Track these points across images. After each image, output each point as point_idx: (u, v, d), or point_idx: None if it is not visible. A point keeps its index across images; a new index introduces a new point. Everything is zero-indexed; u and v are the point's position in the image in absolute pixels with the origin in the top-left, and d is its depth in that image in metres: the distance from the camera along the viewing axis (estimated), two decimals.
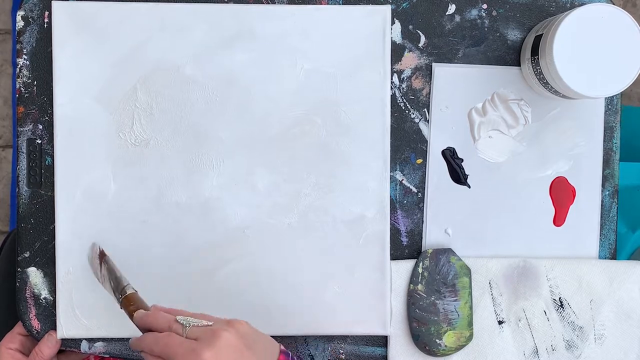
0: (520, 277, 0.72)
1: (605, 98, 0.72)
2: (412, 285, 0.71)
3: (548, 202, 0.73)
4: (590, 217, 0.73)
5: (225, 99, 0.70)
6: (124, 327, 0.70)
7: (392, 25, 0.71)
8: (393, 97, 0.71)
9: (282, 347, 0.58)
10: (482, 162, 0.72)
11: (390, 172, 0.71)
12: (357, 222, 0.71)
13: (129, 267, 0.69)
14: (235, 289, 0.71)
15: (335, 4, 0.70)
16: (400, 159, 0.72)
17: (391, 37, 0.71)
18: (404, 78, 0.71)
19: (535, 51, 0.67)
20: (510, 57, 0.72)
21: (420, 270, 0.71)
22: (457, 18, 0.71)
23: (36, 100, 0.70)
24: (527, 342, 0.72)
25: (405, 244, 0.72)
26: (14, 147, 1.35)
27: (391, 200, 0.72)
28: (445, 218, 0.72)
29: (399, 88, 0.71)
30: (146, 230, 0.70)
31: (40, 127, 0.70)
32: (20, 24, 0.69)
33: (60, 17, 0.69)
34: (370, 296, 0.71)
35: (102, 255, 0.67)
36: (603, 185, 0.73)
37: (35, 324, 0.71)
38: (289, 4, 0.70)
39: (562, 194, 0.73)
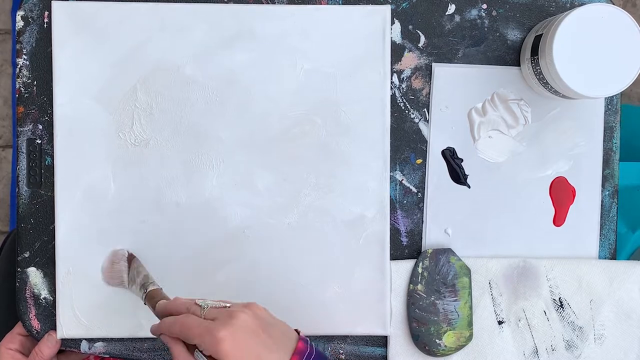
0: (520, 277, 0.72)
1: (605, 98, 0.72)
2: (412, 285, 0.71)
3: (548, 202, 0.73)
4: (590, 217, 0.73)
5: (225, 99, 0.70)
6: (124, 327, 0.70)
7: (392, 25, 0.71)
8: (393, 97, 0.71)
9: (302, 334, 0.58)
10: (482, 162, 0.72)
11: (390, 172, 0.71)
12: (357, 222, 0.71)
13: None
14: (235, 289, 0.71)
15: (335, 4, 0.70)
16: (400, 159, 0.72)
17: (391, 37, 0.71)
18: (403, 78, 0.71)
19: (535, 51, 0.67)
20: (510, 57, 0.72)
21: (420, 270, 0.71)
22: (457, 18, 0.71)
23: (36, 100, 0.70)
24: (527, 342, 0.72)
25: (405, 244, 0.72)
26: (14, 147, 1.35)
27: (391, 200, 0.72)
28: (445, 218, 0.72)
29: (398, 88, 0.71)
30: (146, 230, 0.70)
31: (40, 127, 0.70)
32: (20, 24, 0.69)
33: (60, 17, 0.69)
34: (370, 296, 0.71)
35: (132, 257, 0.69)
36: (603, 185, 0.73)
37: (35, 324, 0.71)
38: (289, 4, 0.70)
39: (562, 194, 0.73)
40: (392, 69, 0.71)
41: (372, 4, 0.70)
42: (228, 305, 0.57)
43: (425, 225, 0.72)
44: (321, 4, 0.70)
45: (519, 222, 0.72)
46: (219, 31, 0.70)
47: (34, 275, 0.71)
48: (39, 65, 0.70)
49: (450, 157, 0.72)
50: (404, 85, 0.71)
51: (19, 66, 0.70)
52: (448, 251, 0.71)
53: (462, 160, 0.72)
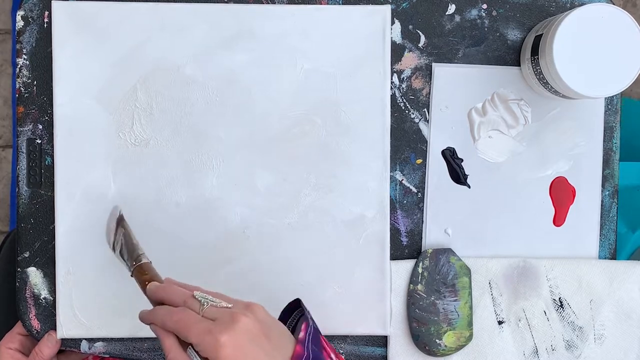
0: (520, 277, 0.72)
1: (605, 98, 0.72)
2: (412, 285, 0.71)
3: (548, 202, 0.73)
4: (590, 217, 0.73)
5: (225, 99, 0.70)
6: (124, 327, 0.70)
7: (392, 25, 0.71)
8: (393, 97, 0.71)
9: (301, 336, 0.55)
10: (482, 162, 0.72)
11: (390, 172, 0.71)
12: (357, 222, 0.71)
13: None
14: (235, 289, 0.70)
15: (335, 4, 0.70)
16: (400, 159, 0.72)
17: (391, 37, 0.71)
18: (404, 78, 0.71)
19: (535, 51, 0.67)
20: (510, 57, 0.72)
21: (420, 270, 0.71)
22: (457, 18, 0.71)
23: (36, 100, 0.70)
24: (527, 342, 0.72)
25: (405, 244, 0.72)
26: (14, 147, 1.35)
27: (391, 200, 0.72)
28: (445, 218, 0.72)
29: (398, 88, 0.71)
30: (146, 230, 0.70)
31: (40, 127, 0.70)
32: (20, 24, 0.69)
33: (60, 17, 0.69)
34: (370, 296, 0.71)
35: (121, 220, 0.65)
36: (603, 185, 0.73)
37: (35, 324, 0.71)
38: (289, 4, 0.70)
39: (562, 194, 0.73)
40: (392, 69, 0.71)
41: (372, 4, 0.70)
42: (229, 305, 0.54)
43: (425, 225, 0.72)
44: (321, 4, 0.70)
45: (519, 222, 0.72)
46: (219, 31, 0.70)
47: (34, 275, 0.71)
48: (39, 65, 0.70)
49: (450, 157, 0.72)
50: (404, 85, 0.71)
51: (19, 66, 0.70)
52: (448, 251, 0.71)
53: (462, 160, 0.72)
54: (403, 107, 0.72)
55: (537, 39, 0.67)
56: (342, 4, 0.70)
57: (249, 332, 0.52)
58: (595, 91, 0.64)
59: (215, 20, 0.69)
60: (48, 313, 0.71)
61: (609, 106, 0.72)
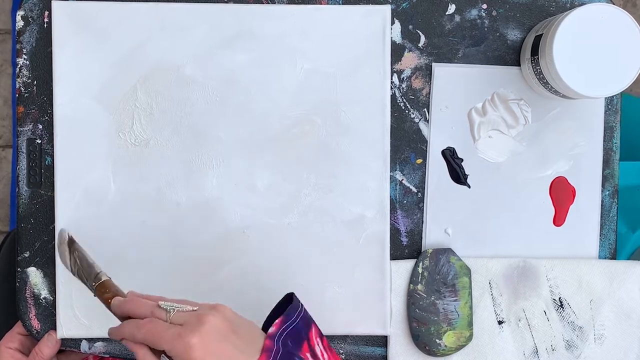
0: (520, 277, 0.72)
1: (605, 98, 0.72)
2: (412, 285, 0.71)
3: (548, 202, 0.73)
4: (590, 217, 0.73)
5: (225, 99, 0.70)
6: None
7: (392, 25, 0.71)
8: (393, 97, 0.71)
9: (271, 331, 0.56)
10: (482, 162, 0.72)
11: (390, 172, 0.71)
12: (357, 222, 0.71)
13: (128, 266, 0.70)
14: (235, 289, 0.71)
15: (335, 4, 0.70)
16: (400, 159, 0.72)
17: (391, 37, 0.71)
18: (403, 78, 0.71)
19: (535, 51, 0.67)
20: (510, 57, 0.72)
21: (420, 270, 0.71)
22: (457, 18, 0.71)
23: (36, 100, 0.70)
24: (527, 342, 0.72)
25: (405, 244, 0.72)
26: (14, 147, 1.35)
27: (391, 200, 0.72)
28: (445, 218, 0.72)
29: (398, 88, 0.71)
30: (146, 230, 0.70)
31: (40, 127, 0.70)
32: (20, 23, 0.69)
33: (60, 17, 0.69)
34: (370, 296, 0.71)
35: (71, 242, 0.66)
36: (603, 185, 0.73)
37: (35, 323, 0.71)
38: (289, 4, 0.70)
39: (562, 194, 0.73)
40: (392, 68, 0.71)
41: (372, 4, 0.70)
42: (195, 308, 0.55)
43: (425, 225, 0.72)
44: (321, 4, 0.70)
45: (519, 222, 0.72)
46: (219, 31, 0.70)
47: (34, 275, 0.71)
48: (39, 65, 0.70)
49: (450, 157, 0.72)
50: (404, 85, 0.71)
51: (19, 66, 0.70)
52: (448, 251, 0.71)
53: (462, 160, 0.72)
54: (403, 107, 0.72)
55: (537, 39, 0.67)
56: (342, 4, 0.70)
57: (217, 330, 0.53)
58: (595, 91, 0.64)
59: (215, 20, 0.69)
60: (48, 313, 0.71)
61: (609, 106, 0.72)
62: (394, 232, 0.72)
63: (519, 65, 0.72)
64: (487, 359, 0.72)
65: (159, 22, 0.69)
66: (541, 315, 0.72)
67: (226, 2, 0.70)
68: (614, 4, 0.66)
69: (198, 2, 0.70)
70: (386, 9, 0.70)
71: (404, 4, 0.71)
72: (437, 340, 0.70)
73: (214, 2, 0.70)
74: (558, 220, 0.73)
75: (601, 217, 0.73)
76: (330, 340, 0.72)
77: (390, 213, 0.72)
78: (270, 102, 0.70)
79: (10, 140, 1.40)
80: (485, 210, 0.72)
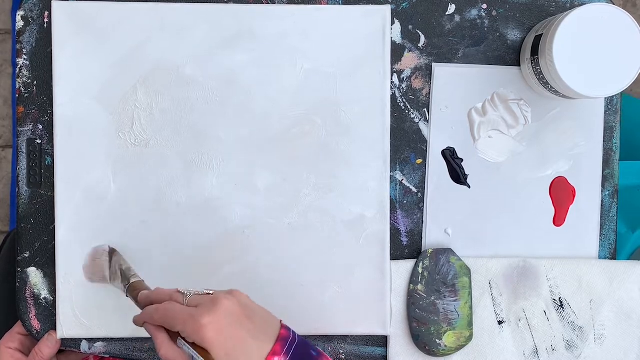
0: (520, 277, 0.72)
1: (605, 98, 0.72)
2: (412, 285, 0.71)
3: (548, 202, 0.73)
4: (590, 217, 0.73)
5: (225, 99, 0.70)
6: (124, 327, 0.70)
7: (392, 25, 0.71)
8: (393, 97, 0.71)
9: (283, 323, 0.57)
10: (482, 162, 0.72)
11: (390, 172, 0.71)
12: (357, 222, 0.71)
13: None
14: (235, 289, 0.71)
15: (335, 4, 0.70)
16: (400, 159, 0.72)
17: (391, 37, 0.71)
18: (403, 78, 0.71)
19: (535, 51, 0.67)
20: (510, 57, 0.72)
21: (420, 270, 0.71)
22: (457, 18, 0.71)
23: (36, 100, 0.70)
24: (527, 342, 0.72)
25: (405, 244, 0.72)
26: (14, 147, 1.35)
27: (391, 200, 0.72)
28: (445, 218, 0.72)
29: (398, 88, 0.71)
30: (146, 230, 0.70)
31: (40, 127, 0.70)
32: (20, 24, 0.69)
33: (60, 17, 0.69)
34: (370, 296, 0.71)
35: (113, 252, 0.68)
36: (603, 185, 0.73)
37: (35, 324, 0.71)
38: (289, 4, 0.70)
39: (562, 194, 0.73)
40: (392, 69, 0.71)
41: (372, 4, 0.70)
42: (211, 292, 0.56)
43: (425, 225, 0.72)
44: (321, 4, 0.70)
45: (519, 222, 0.72)
46: (219, 31, 0.70)
47: (34, 275, 0.71)
48: (39, 65, 0.70)
49: (450, 157, 0.72)
50: (404, 85, 0.71)
51: (19, 66, 0.70)
52: (448, 251, 0.71)
53: (462, 160, 0.72)
54: (403, 107, 0.72)
55: (537, 39, 0.67)
56: (342, 4, 0.70)
57: (231, 313, 0.54)
58: (595, 91, 0.64)
59: (215, 20, 0.69)
60: (48, 313, 0.71)
61: (609, 106, 0.72)
62: (394, 232, 0.72)
63: (519, 65, 0.72)
64: (487, 359, 0.72)
65: (159, 22, 0.69)
66: (541, 315, 0.72)
67: (226, 2, 0.70)
68: (614, 4, 0.66)
69: (198, 2, 0.70)
70: (386, 9, 0.70)
71: (404, 4, 0.71)
72: (437, 340, 0.70)
73: (214, 2, 0.70)
74: (558, 220, 0.73)
75: (601, 217, 0.73)
76: (331, 340, 0.72)
77: (390, 213, 0.72)
78: (270, 102, 0.70)
79: (10, 140, 1.40)
80: (485, 210, 0.72)
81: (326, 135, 0.70)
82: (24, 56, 0.70)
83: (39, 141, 0.70)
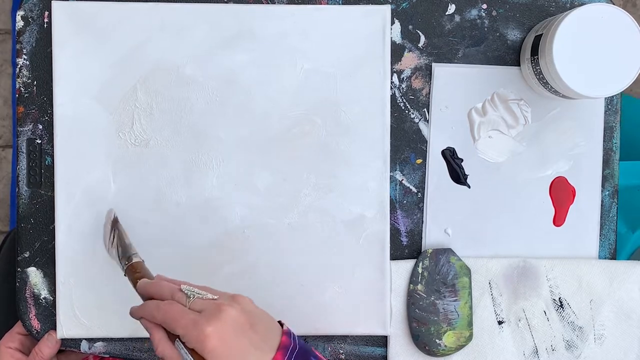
0: (520, 277, 0.72)
1: (605, 98, 0.72)
2: (412, 285, 0.71)
3: (548, 202, 0.73)
4: (590, 217, 0.73)
5: (225, 99, 0.70)
6: (124, 327, 0.70)
7: (392, 25, 0.71)
8: (393, 97, 0.71)
9: (285, 327, 0.56)
10: (482, 162, 0.72)
11: (390, 172, 0.71)
12: (357, 222, 0.71)
13: None
14: (235, 289, 0.70)
15: (335, 4, 0.70)
16: (400, 159, 0.72)
17: (391, 37, 0.71)
18: (403, 78, 0.71)
19: (535, 51, 0.67)
20: (510, 57, 0.72)
21: (420, 270, 0.71)
22: (457, 18, 0.71)
23: (36, 100, 0.70)
24: (527, 342, 0.72)
25: (405, 244, 0.72)
26: (14, 147, 1.35)
27: (391, 200, 0.72)
28: (445, 218, 0.72)
29: (398, 88, 0.71)
30: (146, 230, 0.70)
31: (40, 127, 0.70)
32: (20, 24, 0.69)
33: (60, 17, 0.69)
34: (370, 296, 0.71)
35: (115, 222, 0.67)
36: (603, 185, 0.73)
37: (35, 323, 0.71)
38: (289, 4, 0.70)
39: (562, 194, 0.73)
40: (392, 69, 0.71)
41: (372, 4, 0.70)
42: (215, 297, 0.55)
43: (425, 225, 0.72)
44: (321, 4, 0.70)
45: (519, 222, 0.72)
46: (219, 31, 0.70)
47: (34, 275, 0.71)
48: (39, 65, 0.70)
49: (450, 157, 0.72)
50: (404, 85, 0.71)
51: (19, 66, 0.70)
52: (448, 251, 0.71)
53: (462, 160, 0.72)
54: (403, 107, 0.72)
55: (537, 39, 0.67)
56: (342, 4, 0.70)
57: (235, 322, 0.53)
58: (595, 91, 0.64)
59: (215, 20, 0.69)
60: (48, 313, 0.71)
61: (609, 106, 0.72)
62: (394, 232, 0.72)
63: (519, 65, 0.72)
64: (487, 359, 0.72)
65: (159, 22, 0.69)
66: (541, 315, 0.72)
67: (226, 2, 0.70)
68: (614, 4, 0.66)
69: (198, 2, 0.70)
70: (386, 9, 0.70)
71: (404, 4, 0.71)
72: (437, 340, 0.70)
73: (214, 2, 0.70)
74: (558, 220, 0.73)
75: (601, 217, 0.73)
76: (330, 340, 0.72)
77: (390, 213, 0.72)
78: (270, 102, 0.70)
79: (10, 140, 1.40)
80: (485, 210, 0.72)
81: (326, 135, 0.70)
82: (24, 56, 0.70)
83: (39, 141, 0.70)
